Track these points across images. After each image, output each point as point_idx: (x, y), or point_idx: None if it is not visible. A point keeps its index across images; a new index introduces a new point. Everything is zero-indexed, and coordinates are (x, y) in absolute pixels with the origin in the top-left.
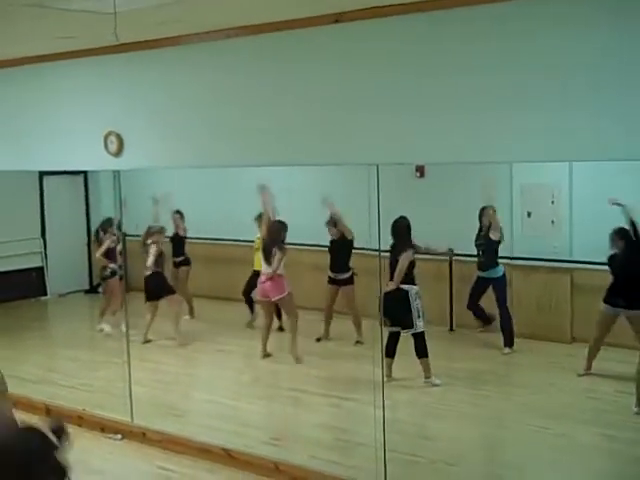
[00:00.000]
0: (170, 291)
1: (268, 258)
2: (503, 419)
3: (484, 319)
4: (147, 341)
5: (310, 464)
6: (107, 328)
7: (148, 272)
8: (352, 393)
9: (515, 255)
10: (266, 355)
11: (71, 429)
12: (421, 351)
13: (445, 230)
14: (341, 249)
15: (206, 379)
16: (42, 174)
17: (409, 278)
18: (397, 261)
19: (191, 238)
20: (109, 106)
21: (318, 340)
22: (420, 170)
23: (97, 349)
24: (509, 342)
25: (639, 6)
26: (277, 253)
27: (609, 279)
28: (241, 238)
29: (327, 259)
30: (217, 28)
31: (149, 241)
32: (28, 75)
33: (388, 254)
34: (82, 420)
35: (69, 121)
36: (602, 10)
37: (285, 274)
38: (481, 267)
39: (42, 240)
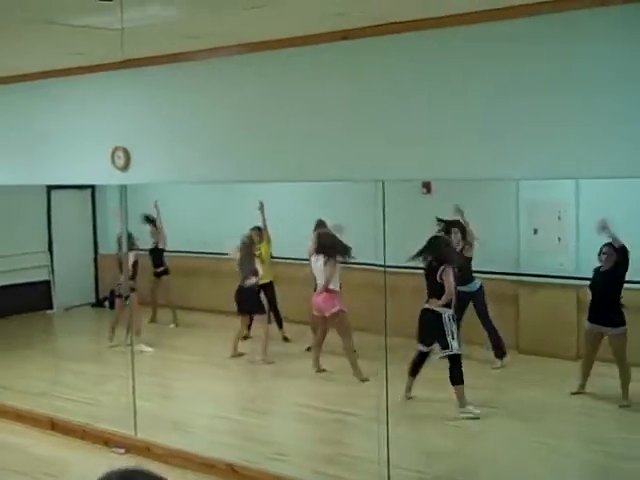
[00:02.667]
0: (260, 309)
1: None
2: (499, 435)
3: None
4: (237, 355)
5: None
6: (146, 347)
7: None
8: (359, 409)
9: (522, 272)
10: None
11: (75, 443)
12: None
13: None
14: None
15: (212, 393)
16: (50, 188)
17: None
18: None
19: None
20: (117, 121)
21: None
22: (427, 186)
23: (103, 363)
24: (500, 354)
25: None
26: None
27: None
28: None
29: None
30: (225, 44)
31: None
32: (37, 90)
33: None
34: (85, 434)
35: (77, 136)
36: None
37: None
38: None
39: (49, 254)
